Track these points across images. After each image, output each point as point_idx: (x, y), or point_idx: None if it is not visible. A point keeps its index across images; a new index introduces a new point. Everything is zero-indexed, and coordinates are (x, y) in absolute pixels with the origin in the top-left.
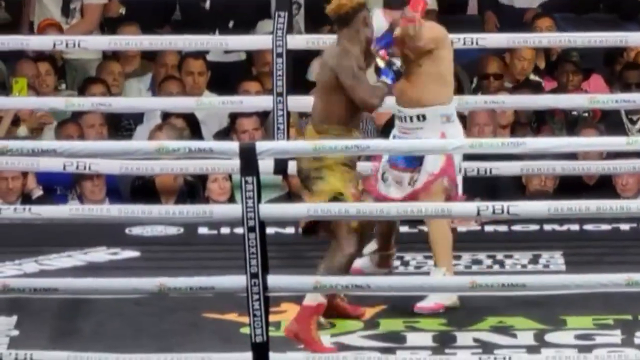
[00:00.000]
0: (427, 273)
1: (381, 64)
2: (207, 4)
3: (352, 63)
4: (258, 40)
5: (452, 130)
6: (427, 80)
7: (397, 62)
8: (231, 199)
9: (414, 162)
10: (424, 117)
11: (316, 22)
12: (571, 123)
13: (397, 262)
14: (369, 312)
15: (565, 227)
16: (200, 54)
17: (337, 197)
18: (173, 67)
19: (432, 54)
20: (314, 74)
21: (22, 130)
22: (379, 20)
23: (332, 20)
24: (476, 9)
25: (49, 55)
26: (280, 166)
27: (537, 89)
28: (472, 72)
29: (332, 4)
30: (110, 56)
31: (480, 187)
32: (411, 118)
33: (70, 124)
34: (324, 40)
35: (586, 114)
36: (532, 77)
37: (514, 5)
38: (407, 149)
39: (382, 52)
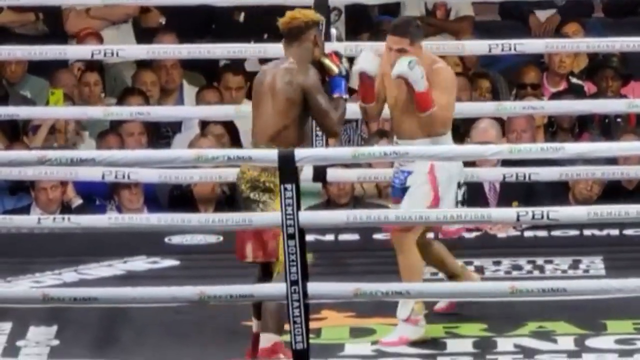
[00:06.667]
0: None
1: (334, 69)
2: (242, 16)
3: (320, 84)
4: None
5: (442, 162)
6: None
7: (346, 64)
8: None
9: (400, 193)
10: None
11: (357, 29)
12: (605, 129)
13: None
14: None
15: (605, 232)
16: (240, 70)
17: None
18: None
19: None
20: (259, 86)
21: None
22: (367, 60)
23: (282, 34)
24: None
25: (98, 65)
26: (320, 173)
27: (579, 93)
28: (511, 78)
29: (284, 17)
30: (145, 65)
31: (519, 193)
32: None
33: (111, 136)
34: (362, 48)
35: (619, 120)
36: (575, 81)
37: None
38: (445, 155)
39: (333, 56)
